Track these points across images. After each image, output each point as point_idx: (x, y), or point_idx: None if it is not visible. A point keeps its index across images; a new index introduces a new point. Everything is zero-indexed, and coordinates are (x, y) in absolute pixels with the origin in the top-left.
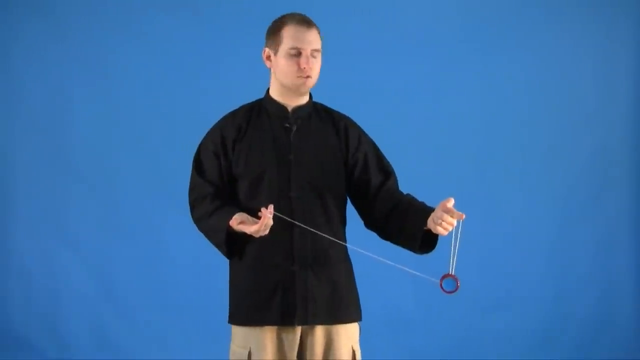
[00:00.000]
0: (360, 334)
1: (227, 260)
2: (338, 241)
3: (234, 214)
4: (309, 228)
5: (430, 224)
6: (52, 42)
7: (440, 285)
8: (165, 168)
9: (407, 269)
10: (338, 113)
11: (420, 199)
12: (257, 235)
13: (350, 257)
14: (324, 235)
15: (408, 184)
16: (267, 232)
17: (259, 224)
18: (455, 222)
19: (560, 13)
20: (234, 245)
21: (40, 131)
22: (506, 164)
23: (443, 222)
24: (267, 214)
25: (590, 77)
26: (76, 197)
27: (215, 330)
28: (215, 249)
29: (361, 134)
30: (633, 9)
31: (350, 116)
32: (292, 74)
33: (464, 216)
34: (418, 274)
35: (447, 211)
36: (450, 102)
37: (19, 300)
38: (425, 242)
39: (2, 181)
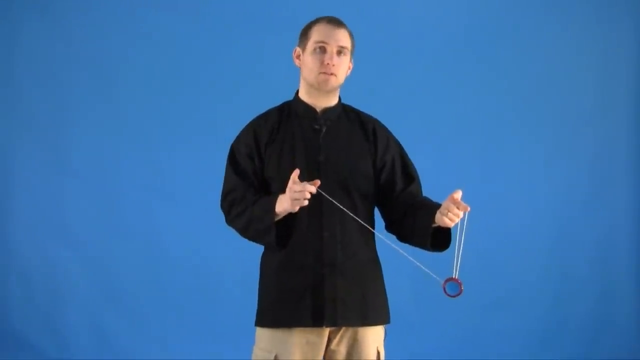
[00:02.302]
0: (386, 336)
1: (227, 261)
2: (364, 223)
3: (278, 196)
4: (343, 208)
5: (437, 216)
6: (52, 42)
7: (444, 288)
8: (166, 168)
9: (417, 262)
10: (366, 115)
11: None
12: (292, 201)
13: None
14: (355, 217)
15: None
16: (304, 202)
17: (289, 186)
18: (461, 214)
19: (561, 13)
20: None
21: (40, 131)
22: (506, 163)
23: (449, 213)
24: (297, 178)
25: (591, 77)
26: (76, 197)
27: (216, 331)
28: (212, 250)
29: (389, 136)
30: (633, 8)
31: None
32: (316, 70)
33: (469, 208)
34: (427, 270)
35: (454, 202)
36: (451, 101)
37: (19, 300)
38: (439, 240)
39: (2, 181)
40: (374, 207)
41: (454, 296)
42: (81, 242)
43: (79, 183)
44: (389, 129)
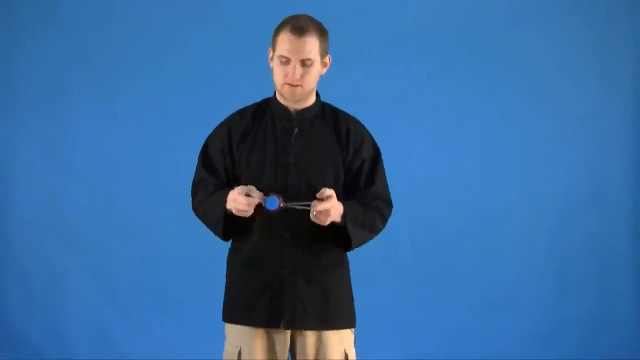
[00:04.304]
0: (355, 339)
1: (227, 260)
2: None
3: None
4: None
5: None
6: (52, 42)
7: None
8: (166, 168)
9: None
10: (344, 114)
11: (420, 198)
12: (235, 210)
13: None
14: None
15: (408, 183)
16: (246, 214)
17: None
18: (315, 208)
19: (560, 12)
20: (230, 227)
21: (40, 131)
22: (506, 163)
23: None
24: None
25: (590, 77)
26: (76, 197)
27: (215, 330)
28: (212, 250)
29: (365, 138)
30: (632, 8)
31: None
32: (280, 81)
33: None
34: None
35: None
36: (449, 101)
37: (19, 300)
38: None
39: (2, 181)
40: None
41: (273, 211)
42: (81, 242)
43: (79, 183)
44: (387, 128)
